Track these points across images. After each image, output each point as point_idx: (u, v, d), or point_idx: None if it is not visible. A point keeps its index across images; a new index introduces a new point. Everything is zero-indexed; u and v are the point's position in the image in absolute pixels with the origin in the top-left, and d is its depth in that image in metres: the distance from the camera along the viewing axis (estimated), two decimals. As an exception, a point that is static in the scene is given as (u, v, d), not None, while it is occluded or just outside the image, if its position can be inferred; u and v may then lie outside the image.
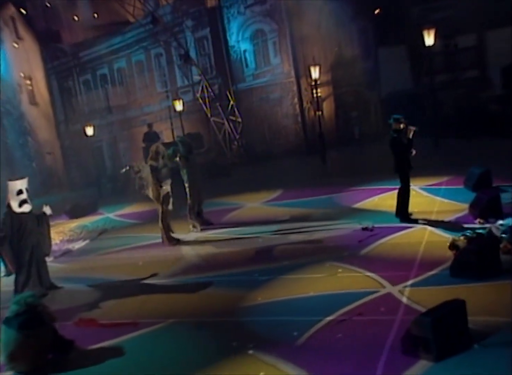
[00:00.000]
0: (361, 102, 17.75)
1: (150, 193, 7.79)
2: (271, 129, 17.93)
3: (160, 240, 7.98)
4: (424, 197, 8.67)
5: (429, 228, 6.85)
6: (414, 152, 7.12)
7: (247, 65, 17.47)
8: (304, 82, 16.67)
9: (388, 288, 5.09)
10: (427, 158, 11.00)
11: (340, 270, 5.74)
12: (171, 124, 17.08)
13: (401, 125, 7.13)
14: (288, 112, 17.74)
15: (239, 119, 17.61)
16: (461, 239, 5.71)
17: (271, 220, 8.46)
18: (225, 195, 11.46)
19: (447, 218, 7.17)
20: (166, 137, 17.16)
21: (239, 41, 17.39)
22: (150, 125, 15.96)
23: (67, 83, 20.03)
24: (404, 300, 4.73)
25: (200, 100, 16.70)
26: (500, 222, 6.04)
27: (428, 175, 10.06)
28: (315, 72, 14.65)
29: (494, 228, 5.82)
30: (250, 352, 4.07)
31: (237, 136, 17.52)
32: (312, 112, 16.72)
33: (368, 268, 5.63)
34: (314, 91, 15.54)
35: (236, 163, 16.90)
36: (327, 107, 17.85)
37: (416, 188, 9.23)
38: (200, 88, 16.89)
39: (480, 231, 5.91)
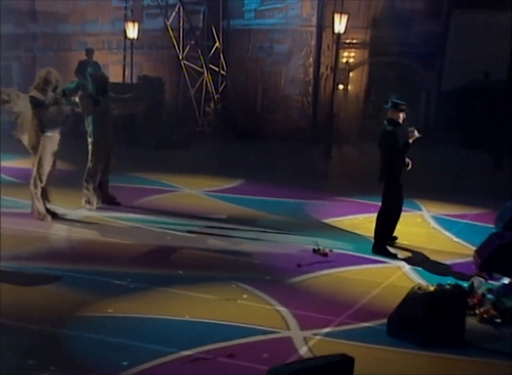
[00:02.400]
0: (409, 83, 17.88)
1: (24, 138, 7.90)
2: (267, 95, 18.09)
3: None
4: (429, 228, 9.06)
5: (407, 268, 7.06)
6: (409, 164, 7.44)
7: (249, -4, 17.68)
8: (329, 37, 16.75)
9: (293, 331, 5.22)
10: (471, 181, 11.70)
11: (245, 296, 5.91)
12: (124, 57, 17.23)
13: (401, 116, 7.34)
14: (297, 76, 17.88)
15: (223, 72, 17.74)
16: (428, 288, 5.79)
17: (199, 215, 8.76)
18: (162, 171, 11.70)
19: (442, 260, 7.43)
20: (114, 74, 17.38)
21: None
22: (89, 52, 16.15)
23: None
24: (302, 350, 4.84)
25: (171, 32, 16.77)
26: (506, 280, 6.09)
27: (454, 202, 10.44)
28: (339, 24, 14.71)
29: (478, 282, 5.89)
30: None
31: (216, 96, 17.65)
32: (331, 83, 16.79)
33: (283, 301, 5.78)
34: (337, 53, 15.58)
35: (204, 133, 17.08)
36: (356, 80, 17.99)
37: (427, 214, 9.45)
38: (174, 13, 17.00)
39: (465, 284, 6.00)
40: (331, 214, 9.34)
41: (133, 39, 16.66)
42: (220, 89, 17.77)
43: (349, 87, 18.06)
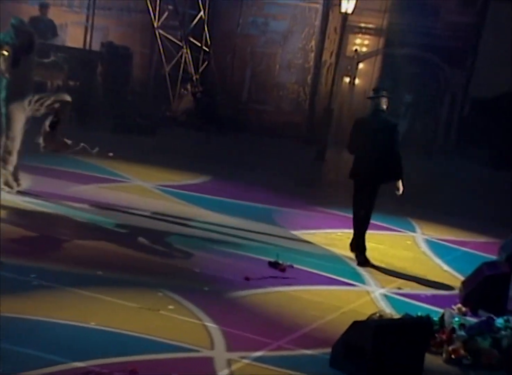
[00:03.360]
0: (431, 82, 18.00)
1: None
2: (256, 81, 18.17)
3: None
4: (418, 253, 9.19)
5: (376, 293, 7.09)
6: (401, 188, 8.08)
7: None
8: (337, 18, 16.85)
9: (217, 351, 5.25)
10: (485, 204, 12.02)
11: (171, 307, 5.96)
12: (87, 19, 17.26)
13: (384, 104, 8.03)
14: (294, 62, 17.98)
15: (206, 48, 17.80)
16: (392, 317, 5.83)
17: (137, 211, 8.90)
18: (113, 158, 11.77)
19: (422, 290, 7.51)
20: (71, 37, 17.38)
21: None
22: (43, 7, 16.18)
23: None
24: (222, 374, 4.86)
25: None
26: (497, 319, 6.13)
27: (457, 226, 10.70)
28: (348, 1, 14.79)
29: (449, 314, 5.93)
30: None
31: (195, 77, 17.70)
32: (332, 74, 16.87)
33: (215, 317, 5.84)
34: (342, 36, 15.66)
35: (176, 120, 17.11)
36: (365, 73, 18.10)
37: (420, 236, 9.57)
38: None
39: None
40: (305, 225, 9.51)
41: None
42: (201, 69, 17.80)
43: (357, 80, 18.16)
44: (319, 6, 17.52)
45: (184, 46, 17.42)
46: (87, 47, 16.67)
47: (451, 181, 14.01)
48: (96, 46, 16.84)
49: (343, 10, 15.01)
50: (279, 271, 7.29)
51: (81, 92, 15.17)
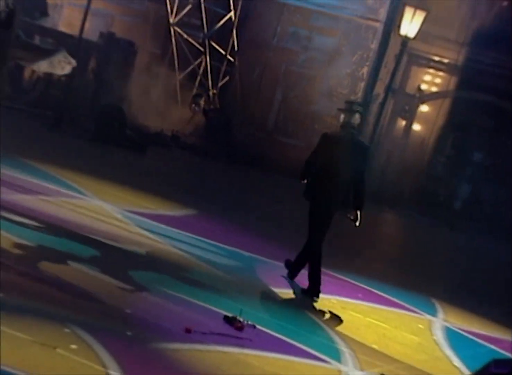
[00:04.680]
0: (506, 139, 17.87)
1: None
2: (287, 107, 18.36)
3: None
4: (427, 339, 9.24)
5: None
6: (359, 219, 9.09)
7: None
8: (398, 42, 17.04)
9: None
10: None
11: (73, 346, 6.01)
12: (89, 2, 17.76)
13: (356, 120, 9.02)
14: (338, 90, 18.18)
15: (231, 58, 18.13)
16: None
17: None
18: (77, 168, 12.08)
19: None
20: (65, 21, 17.85)
21: None
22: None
23: None
24: None
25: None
26: None
27: (492, 318, 10.86)
28: (410, 23, 15.02)
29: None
30: None
31: (212, 91, 18.04)
32: (388, 112, 17.02)
33: (127, 368, 5.88)
34: (398, 64, 15.85)
35: (178, 138, 17.39)
36: (427, 117, 18.29)
37: (439, 322, 9.93)
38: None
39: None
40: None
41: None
42: (221, 83, 18.16)
43: (415, 125, 18.29)
44: (379, 25, 17.78)
45: (205, 52, 17.81)
46: (82, 35, 17.16)
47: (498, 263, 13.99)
48: (93, 36, 17.35)
49: (402, 32, 15.26)
50: (234, 329, 7.32)
51: (66, 88, 15.65)
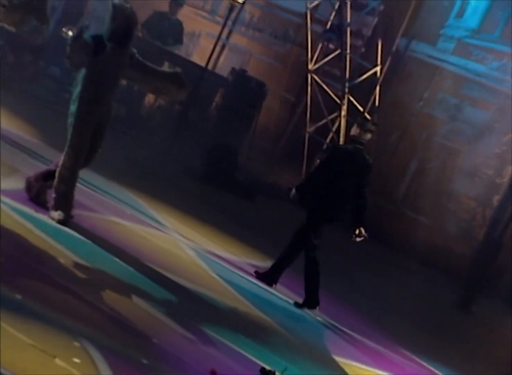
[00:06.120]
0: None
1: None
2: (420, 179, 18.08)
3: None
4: None
5: None
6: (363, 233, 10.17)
7: (460, 15, 17.97)
8: None
9: None
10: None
11: (76, 360, 6.10)
12: (228, 34, 18.19)
13: (367, 137, 10.47)
14: (482, 170, 17.70)
15: (369, 117, 18.06)
16: None
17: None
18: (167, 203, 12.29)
19: None
20: (200, 52, 18.25)
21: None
22: (176, 4, 17.26)
23: None
24: None
25: (308, 23, 17.54)
26: None
27: None
28: None
29: None
30: None
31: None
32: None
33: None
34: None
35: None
36: None
37: None
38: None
39: None
40: (355, 355, 9.83)
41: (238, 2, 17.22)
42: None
43: None
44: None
45: (342, 105, 17.83)
46: (212, 67, 17.59)
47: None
48: (224, 70, 17.72)
49: None
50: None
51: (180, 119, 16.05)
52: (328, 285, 11.75)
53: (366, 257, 15.67)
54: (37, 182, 9.35)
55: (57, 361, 5.90)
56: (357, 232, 10.10)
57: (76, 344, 6.31)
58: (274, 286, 10.43)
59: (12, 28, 9.50)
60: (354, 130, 10.41)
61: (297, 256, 10.40)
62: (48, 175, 9.33)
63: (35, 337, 6.09)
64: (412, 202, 18.19)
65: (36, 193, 9.33)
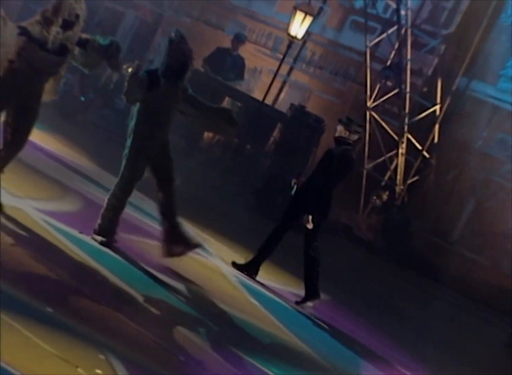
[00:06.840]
0: None
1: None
2: (477, 219, 17.95)
3: None
4: None
5: None
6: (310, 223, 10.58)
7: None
8: None
9: None
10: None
11: (99, 371, 6.26)
12: (289, 71, 18.36)
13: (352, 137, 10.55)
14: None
15: (427, 154, 18.06)
16: None
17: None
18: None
19: None
20: (260, 88, 18.47)
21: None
22: (238, 39, 17.70)
23: None
24: None
25: (368, 61, 17.68)
26: None
27: None
28: None
29: None
30: None
31: (399, 187, 18.02)
32: None
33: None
34: None
35: (355, 234, 17.41)
36: None
37: None
38: (385, 34, 17.88)
39: None
40: None
41: (295, 38, 17.47)
42: (410, 180, 18.13)
43: None
44: None
45: (400, 143, 17.88)
46: (272, 103, 17.80)
47: None
48: (284, 107, 17.90)
49: None
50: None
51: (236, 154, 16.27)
52: (378, 320, 11.89)
53: (422, 295, 15.70)
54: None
55: (79, 370, 6.09)
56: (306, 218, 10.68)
57: (101, 356, 6.49)
58: (254, 276, 10.77)
59: (85, 70, 9.72)
60: (340, 132, 10.50)
61: (275, 248, 11.01)
62: None
63: (60, 348, 6.29)
64: (468, 241, 18.09)
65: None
